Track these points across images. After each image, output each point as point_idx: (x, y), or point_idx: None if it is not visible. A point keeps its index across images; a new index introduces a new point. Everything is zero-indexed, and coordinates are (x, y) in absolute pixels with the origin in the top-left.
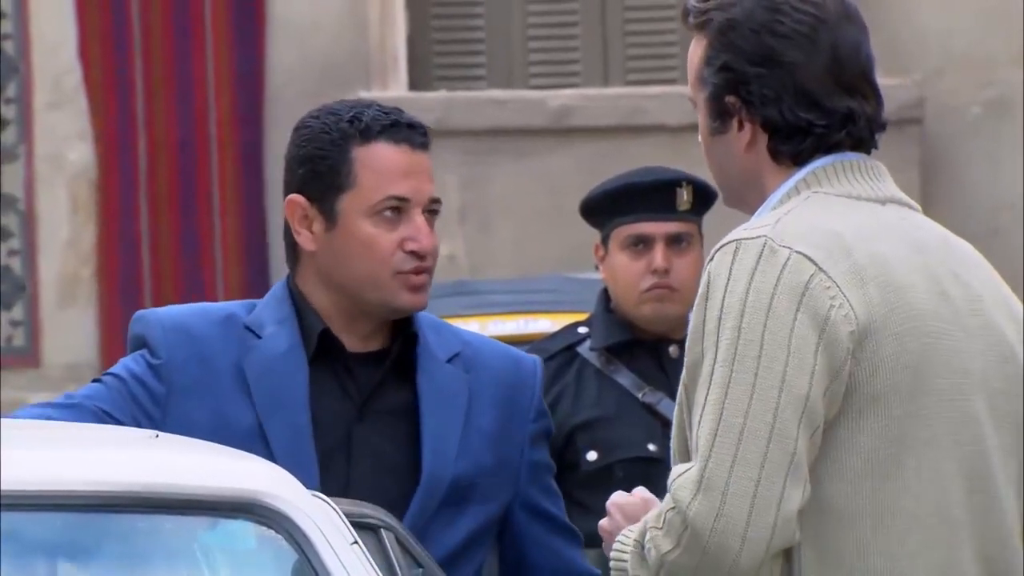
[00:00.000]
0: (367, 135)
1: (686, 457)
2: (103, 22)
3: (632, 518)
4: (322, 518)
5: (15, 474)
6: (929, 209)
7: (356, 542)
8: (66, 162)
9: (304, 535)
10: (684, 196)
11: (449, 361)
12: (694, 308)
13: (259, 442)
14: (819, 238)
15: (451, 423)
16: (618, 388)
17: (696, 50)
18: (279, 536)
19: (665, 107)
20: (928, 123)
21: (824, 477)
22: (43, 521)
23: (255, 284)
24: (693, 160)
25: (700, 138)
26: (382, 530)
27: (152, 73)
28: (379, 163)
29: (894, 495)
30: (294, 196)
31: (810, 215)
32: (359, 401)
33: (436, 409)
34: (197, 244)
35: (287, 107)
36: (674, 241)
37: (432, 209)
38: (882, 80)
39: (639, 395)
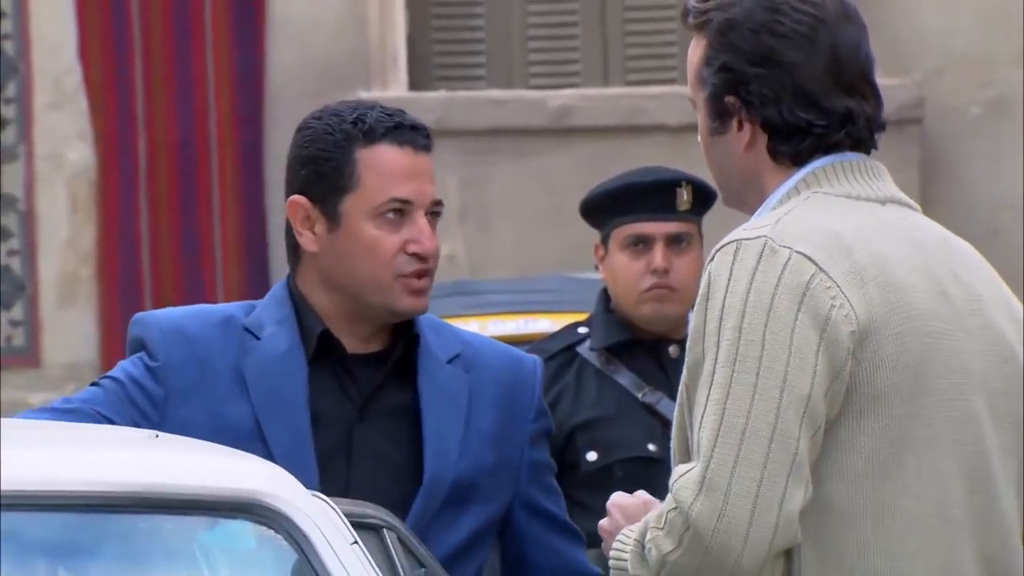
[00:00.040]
0: (371, 137)
1: (686, 457)
2: (103, 22)
3: (632, 519)
4: (322, 518)
5: (15, 474)
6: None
7: (356, 542)
8: (66, 162)
9: (304, 535)
10: (684, 196)
11: (449, 362)
12: (695, 308)
13: (258, 443)
14: (819, 238)
15: (452, 424)
16: (618, 388)
17: (695, 50)
18: (279, 536)
19: (665, 107)
20: (928, 123)
21: (825, 477)
22: (43, 521)
23: (255, 284)
24: (693, 160)
25: (699, 138)
26: (384, 530)
27: (152, 73)
28: (382, 165)
29: (894, 495)
30: (296, 197)
31: (810, 215)
32: (359, 402)
33: (437, 410)
34: (197, 244)
35: (287, 107)
36: (674, 241)
37: (434, 211)
38: (882, 80)
39: (639, 395)
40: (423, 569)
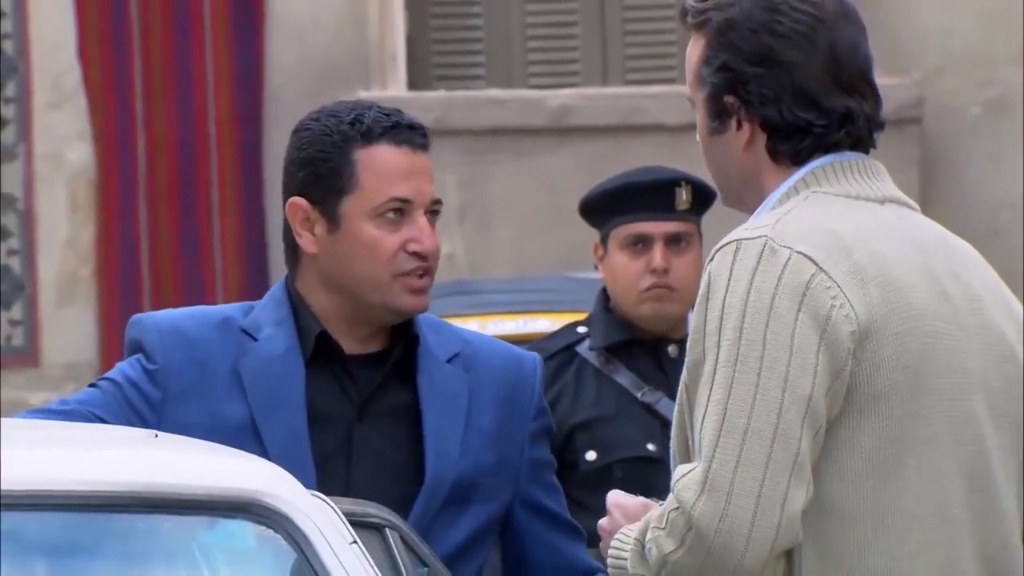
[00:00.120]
0: (368, 137)
1: (686, 457)
2: (102, 22)
3: (632, 518)
4: (321, 518)
5: (15, 474)
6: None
7: (355, 541)
8: (65, 161)
9: (303, 535)
10: (683, 196)
11: (449, 361)
12: (695, 308)
13: (255, 444)
14: (819, 238)
15: (452, 423)
16: (617, 388)
17: (694, 50)
18: (278, 536)
19: (664, 107)
20: (927, 123)
21: (825, 477)
22: (43, 521)
23: (254, 284)
24: (692, 160)
25: (698, 138)
26: (386, 529)
27: (151, 73)
28: (381, 165)
29: (895, 495)
30: (295, 199)
31: (810, 215)
32: (359, 403)
33: (437, 409)
34: (196, 244)
35: (286, 107)
36: (673, 241)
37: (434, 210)
38: (881, 80)
39: (638, 395)
40: (425, 568)
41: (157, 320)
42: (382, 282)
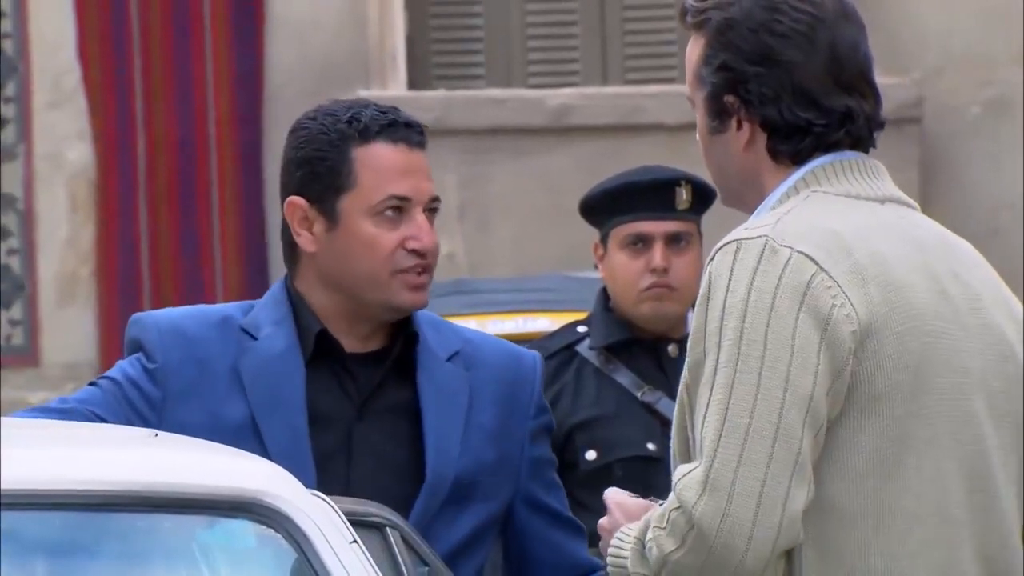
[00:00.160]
0: (366, 135)
1: (686, 457)
2: (102, 22)
3: (633, 518)
4: (321, 517)
5: (15, 473)
6: (928, 209)
7: (355, 541)
8: (65, 161)
9: (303, 534)
10: (683, 195)
11: (449, 359)
12: (695, 308)
13: (255, 443)
14: (819, 238)
15: (453, 421)
16: (617, 387)
17: (694, 49)
18: (278, 535)
19: (664, 106)
20: (927, 122)
21: (826, 477)
22: (43, 520)
23: (254, 283)
24: (692, 159)
25: (698, 137)
26: (387, 528)
27: (151, 73)
28: (379, 163)
29: (895, 495)
30: (294, 198)
31: (810, 215)
32: (359, 401)
33: (437, 408)
34: (196, 243)
35: (286, 106)
36: (673, 240)
37: (432, 207)
38: (881, 79)
39: (638, 394)
40: (426, 567)
41: (157, 319)
42: (381, 280)
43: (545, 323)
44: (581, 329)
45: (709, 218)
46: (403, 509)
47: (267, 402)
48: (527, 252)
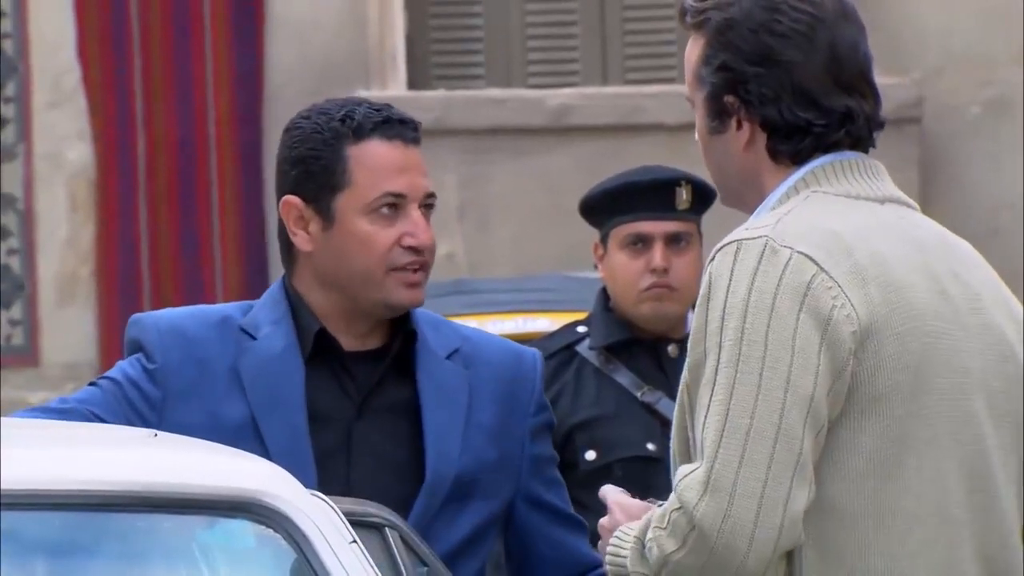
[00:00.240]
0: (360, 133)
1: (686, 458)
2: (102, 22)
3: (633, 518)
4: (321, 517)
5: (15, 473)
6: (928, 209)
7: (355, 541)
8: (65, 161)
9: (303, 534)
10: (683, 195)
11: (448, 357)
12: (696, 309)
13: (255, 442)
14: (819, 238)
15: (453, 420)
16: (617, 387)
17: (693, 49)
18: (278, 535)
19: (664, 106)
20: (927, 122)
21: (826, 477)
22: (42, 520)
23: (254, 283)
24: (692, 159)
25: (697, 137)
26: (386, 528)
27: (151, 73)
28: (373, 160)
29: (895, 495)
30: (289, 197)
31: (810, 215)
32: (358, 400)
33: (437, 406)
34: (196, 243)
35: (286, 106)
36: (673, 240)
37: (428, 204)
38: (881, 79)
39: (638, 394)
40: (425, 568)
41: (157, 319)
42: (376, 277)
43: (545, 323)
44: (581, 329)
45: (709, 218)
46: (403, 508)
47: (267, 401)
48: (527, 252)
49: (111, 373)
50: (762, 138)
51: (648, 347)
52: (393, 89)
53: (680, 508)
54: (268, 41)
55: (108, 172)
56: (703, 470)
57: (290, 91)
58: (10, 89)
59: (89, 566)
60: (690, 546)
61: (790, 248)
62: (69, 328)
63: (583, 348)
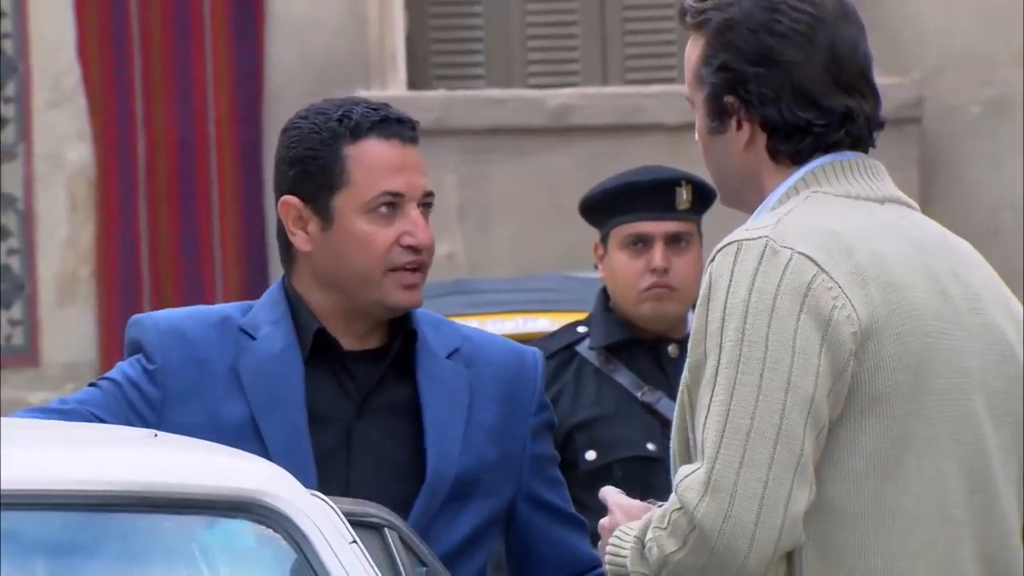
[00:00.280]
0: (357, 132)
1: (686, 458)
2: (102, 21)
3: (634, 518)
4: (321, 517)
5: (15, 473)
6: (928, 209)
7: (355, 541)
8: (65, 161)
9: (303, 534)
10: (683, 195)
11: (449, 357)
12: (696, 309)
13: (255, 442)
14: (820, 238)
15: (453, 419)
16: (617, 387)
17: (693, 50)
18: (278, 535)
19: (664, 106)
20: (927, 122)
21: (826, 478)
22: (43, 520)
23: (254, 283)
24: (692, 159)
25: (697, 137)
26: (385, 529)
27: (151, 72)
28: (371, 160)
29: (895, 495)
30: (287, 197)
31: (810, 215)
32: (358, 399)
33: (438, 405)
34: (196, 243)
35: (286, 106)
36: (673, 240)
37: (426, 203)
38: (881, 79)
39: (638, 394)
40: (424, 568)
41: (156, 320)
42: (374, 278)
43: (545, 323)
44: (581, 329)
45: (709, 218)
46: (403, 508)
47: (266, 401)
48: (527, 252)
49: (111, 374)
50: (762, 138)
51: (648, 347)
52: (393, 89)
53: (681, 508)
54: (268, 41)
55: (108, 172)
56: (704, 471)
57: (290, 91)
58: (10, 89)
59: (89, 566)
60: (691, 546)
61: (790, 249)
62: (69, 328)
63: (583, 348)
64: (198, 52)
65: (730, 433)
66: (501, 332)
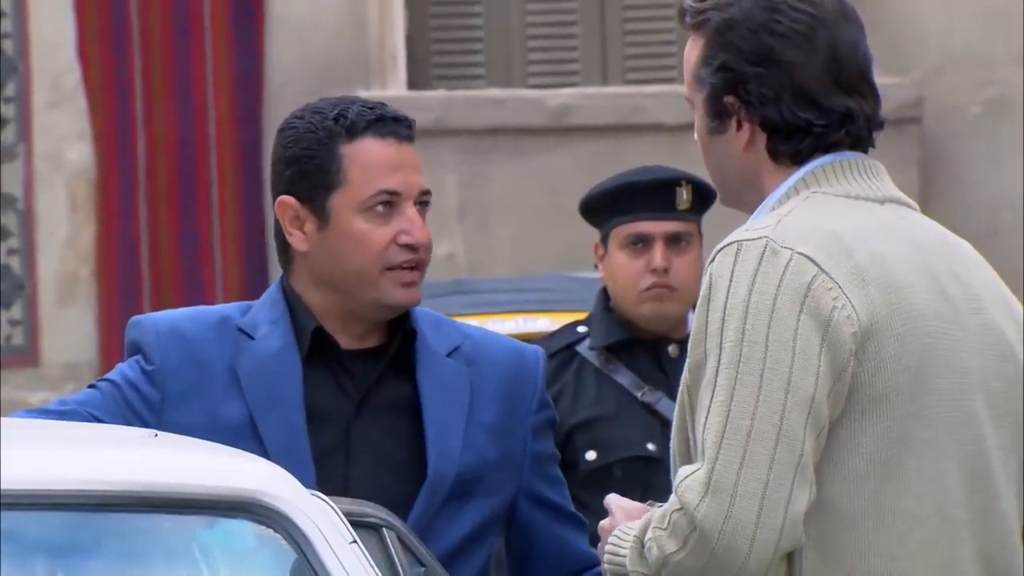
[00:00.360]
0: (353, 132)
1: (687, 458)
2: (102, 21)
3: (634, 519)
4: (321, 517)
5: (15, 473)
6: (928, 209)
7: (355, 541)
8: (65, 161)
9: (303, 534)
10: (683, 195)
11: (449, 355)
12: (696, 310)
13: (253, 442)
14: (820, 239)
15: (454, 417)
16: (617, 387)
17: (693, 50)
18: (278, 535)
19: (664, 106)
20: (927, 122)
21: (827, 478)
22: (43, 520)
23: (254, 283)
24: (692, 159)
25: (697, 137)
26: (384, 529)
27: (151, 72)
28: (367, 158)
29: (895, 496)
30: (284, 197)
31: (810, 216)
32: (356, 398)
33: (438, 403)
34: (196, 243)
35: (286, 106)
36: (673, 240)
37: (423, 201)
38: (881, 79)
39: (638, 394)
40: (423, 568)
41: (155, 321)
42: (371, 277)
43: (545, 323)
44: (581, 329)
45: (709, 218)
46: (403, 506)
47: (264, 401)
48: (527, 252)
49: (110, 375)
50: (762, 138)
51: (648, 347)
52: (393, 89)
53: (681, 509)
54: (268, 41)
55: (108, 172)
56: (704, 471)
57: (290, 91)
58: (10, 89)
59: (89, 566)
60: (691, 547)
61: (790, 249)
62: (69, 328)
63: (583, 348)
64: (198, 52)
65: (730, 434)
66: (501, 332)
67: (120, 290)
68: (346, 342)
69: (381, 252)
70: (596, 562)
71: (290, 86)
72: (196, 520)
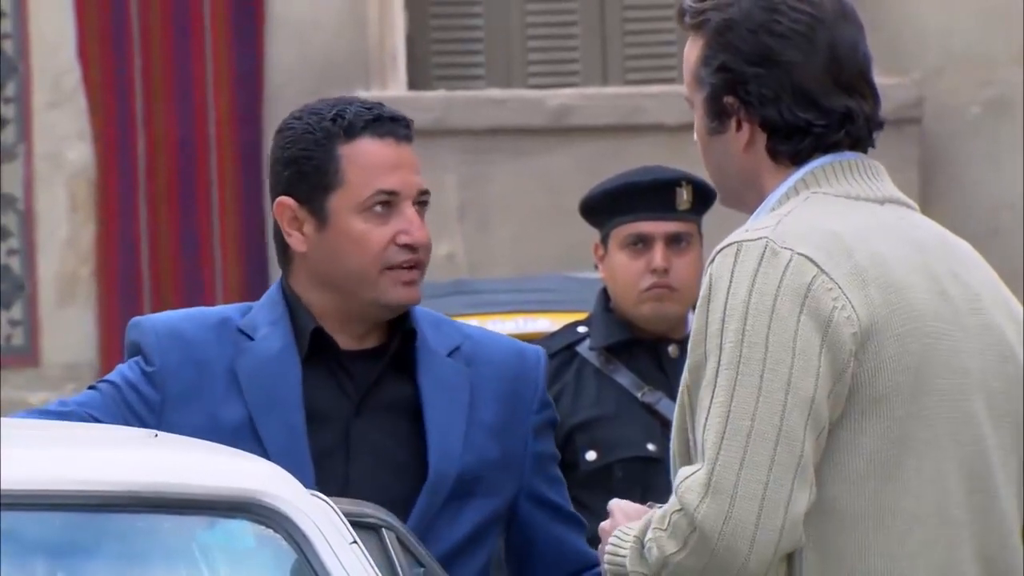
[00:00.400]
0: (351, 132)
1: (687, 459)
2: (102, 21)
3: (633, 520)
4: (321, 517)
5: (15, 474)
6: (928, 209)
7: (355, 541)
8: (65, 161)
9: (303, 534)
10: (684, 195)
11: (450, 355)
12: (696, 310)
13: (253, 443)
14: (820, 239)
15: (454, 417)
16: (617, 388)
17: (692, 50)
18: (278, 535)
19: (664, 106)
20: (927, 123)
21: (827, 479)
22: (43, 521)
23: (254, 283)
24: (692, 159)
25: (696, 138)
26: (383, 529)
27: (151, 72)
28: (365, 159)
29: (895, 496)
30: (283, 198)
31: (810, 216)
32: (356, 398)
33: (438, 403)
34: (196, 243)
35: (286, 106)
36: (673, 241)
37: (422, 201)
38: (881, 79)
39: (638, 395)
40: (422, 569)
41: (155, 322)
42: (371, 277)
43: (545, 323)
44: (581, 329)
45: (709, 218)
46: (403, 506)
47: (264, 401)
48: (527, 253)
49: (110, 377)
50: (762, 139)
51: (648, 347)
52: (393, 89)
53: (681, 510)
54: (268, 41)
55: (108, 172)
56: (704, 472)
57: (290, 91)
58: (10, 89)
59: (89, 566)
60: (691, 548)
61: (790, 250)
62: (69, 328)
63: (583, 348)
64: (198, 52)
65: (730, 434)
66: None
67: (120, 290)
68: (346, 342)
69: (380, 252)
70: (595, 562)
71: (290, 86)
72: (196, 520)
